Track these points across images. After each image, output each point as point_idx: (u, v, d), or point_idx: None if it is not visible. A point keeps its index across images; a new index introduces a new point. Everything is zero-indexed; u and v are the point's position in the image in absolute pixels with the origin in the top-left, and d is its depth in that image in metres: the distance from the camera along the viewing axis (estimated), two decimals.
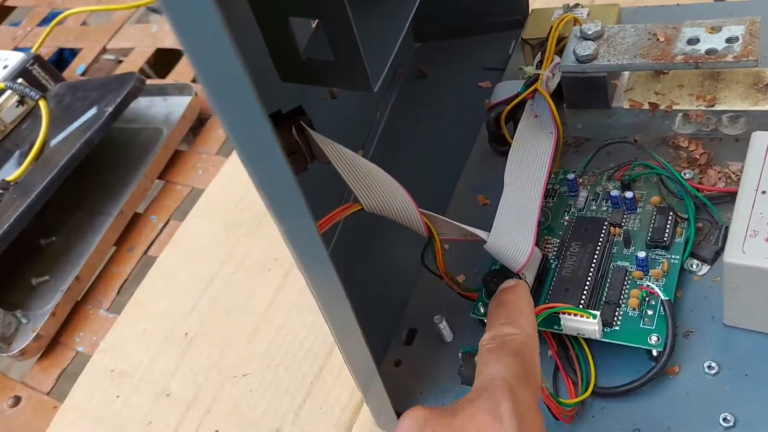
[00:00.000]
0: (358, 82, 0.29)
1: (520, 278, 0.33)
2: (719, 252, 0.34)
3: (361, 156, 0.43)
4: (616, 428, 0.31)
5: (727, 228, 0.32)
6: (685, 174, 0.36)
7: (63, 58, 0.90)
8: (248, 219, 0.53)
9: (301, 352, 0.42)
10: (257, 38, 0.29)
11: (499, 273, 0.34)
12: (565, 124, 0.40)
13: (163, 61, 0.79)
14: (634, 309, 0.32)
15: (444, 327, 0.36)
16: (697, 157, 0.37)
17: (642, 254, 0.33)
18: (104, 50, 0.84)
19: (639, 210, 0.36)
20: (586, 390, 0.32)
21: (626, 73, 0.38)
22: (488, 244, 0.32)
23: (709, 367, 0.31)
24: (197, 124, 0.67)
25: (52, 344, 0.55)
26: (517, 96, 0.41)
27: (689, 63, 0.34)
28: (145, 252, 0.59)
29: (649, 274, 0.34)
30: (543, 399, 0.29)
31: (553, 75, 0.39)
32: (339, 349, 0.29)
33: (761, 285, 0.29)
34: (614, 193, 0.36)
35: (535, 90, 0.39)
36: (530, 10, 0.47)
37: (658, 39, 0.35)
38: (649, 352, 0.31)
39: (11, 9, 1.03)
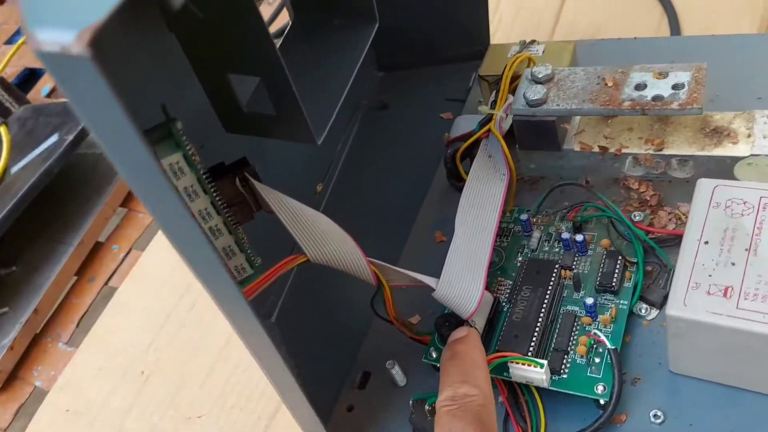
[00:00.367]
0: (302, 136, 0.29)
1: (471, 325, 0.33)
2: (667, 296, 0.34)
3: (319, 188, 0.43)
4: None
5: None
6: (635, 216, 0.37)
7: (36, 74, 0.88)
8: None
9: (256, 392, 0.42)
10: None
11: (451, 317, 0.34)
12: (518, 163, 0.41)
13: None
14: (581, 356, 0.32)
15: (396, 372, 0.36)
16: (648, 198, 0.37)
17: (590, 300, 0.33)
18: None
19: (590, 252, 0.37)
20: None
21: (577, 116, 0.38)
22: (436, 292, 0.32)
23: (655, 416, 0.31)
24: None
25: (10, 379, 0.54)
26: (473, 134, 0.41)
27: (636, 109, 0.34)
28: (106, 283, 0.58)
29: (598, 319, 0.34)
30: None
31: (507, 115, 0.39)
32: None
33: (703, 337, 0.29)
34: (565, 235, 0.37)
35: (489, 130, 0.39)
36: (489, 47, 0.47)
37: (607, 84, 0.35)
38: (597, 400, 0.31)
39: None
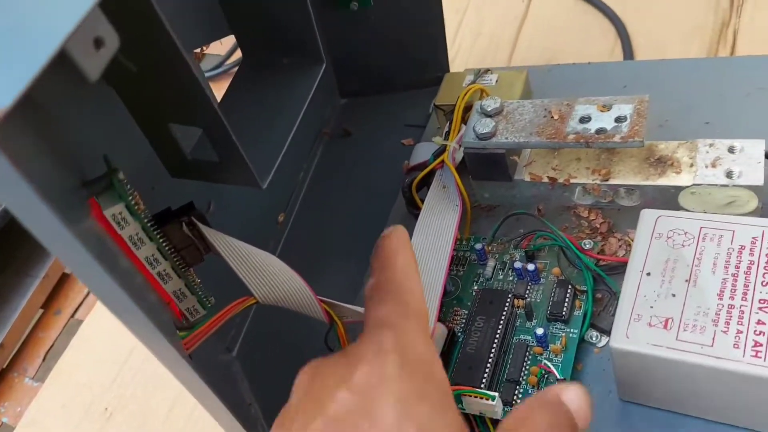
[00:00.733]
0: (247, 181, 0.29)
1: None
2: None
3: (281, 218, 0.43)
4: None
5: None
6: (585, 244, 0.37)
7: None
8: None
9: (218, 428, 0.42)
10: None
11: None
12: (473, 192, 0.41)
13: None
14: (533, 387, 0.33)
15: None
16: (598, 225, 0.38)
17: (540, 331, 0.34)
18: None
19: (542, 281, 0.37)
20: None
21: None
22: None
23: None
24: None
25: None
26: (428, 163, 0.42)
27: (580, 142, 0.34)
28: (72, 315, 0.58)
29: (549, 349, 0.34)
30: None
31: (460, 146, 0.40)
32: None
33: (646, 368, 0.30)
34: (518, 265, 0.37)
35: (443, 161, 0.40)
36: (444, 76, 0.48)
37: (553, 116, 0.36)
38: None
39: None
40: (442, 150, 0.41)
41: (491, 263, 0.39)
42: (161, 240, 0.29)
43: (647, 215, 0.33)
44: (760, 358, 0.27)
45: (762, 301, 0.28)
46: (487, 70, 0.45)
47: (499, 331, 0.35)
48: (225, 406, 0.24)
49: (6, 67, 0.15)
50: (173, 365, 0.22)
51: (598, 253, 0.37)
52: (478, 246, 0.39)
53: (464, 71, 0.53)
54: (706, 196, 0.34)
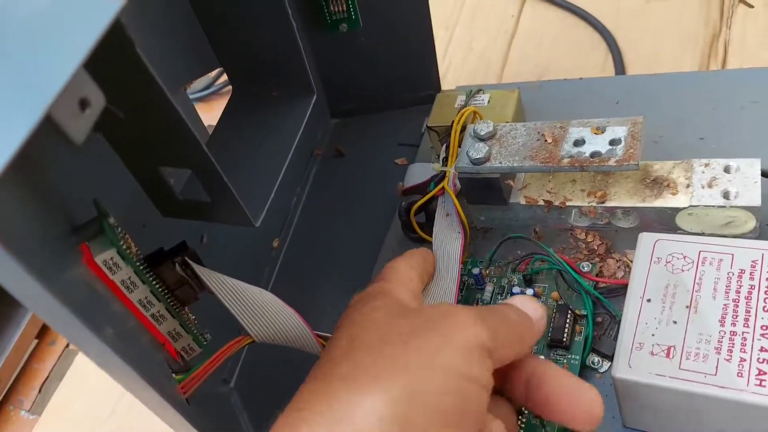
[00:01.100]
0: (239, 220, 0.29)
1: None
2: None
3: (275, 244, 0.42)
4: None
5: None
6: (583, 267, 0.37)
7: None
8: None
9: None
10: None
11: None
12: (469, 215, 0.41)
13: None
14: (535, 417, 0.33)
15: None
16: (596, 247, 0.38)
17: (542, 358, 0.33)
18: None
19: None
20: None
21: None
22: None
23: None
24: None
25: None
26: (426, 184, 0.41)
27: (575, 166, 0.34)
28: (67, 345, 0.57)
29: None
30: None
31: (457, 170, 0.40)
32: None
33: (649, 397, 0.29)
34: (516, 290, 0.37)
35: (443, 188, 0.40)
36: (436, 96, 0.47)
37: (546, 140, 0.36)
38: None
39: None
40: (441, 176, 0.40)
41: (489, 287, 0.39)
42: (154, 282, 0.28)
43: (645, 239, 0.33)
44: (765, 386, 0.27)
45: (764, 327, 0.28)
46: (478, 90, 0.45)
47: None
48: None
49: None
50: (167, 417, 0.22)
51: (597, 275, 0.37)
52: (476, 270, 0.39)
53: (455, 90, 0.53)
54: (704, 217, 0.34)
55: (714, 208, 0.34)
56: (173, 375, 0.30)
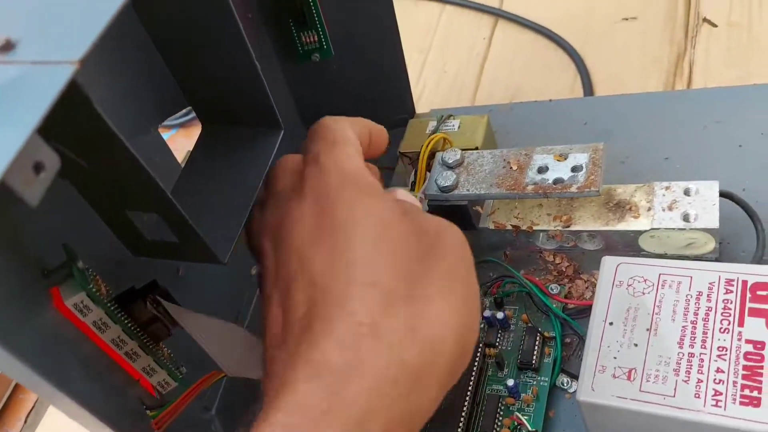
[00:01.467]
0: (208, 258, 0.29)
1: None
2: None
3: (253, 271, 0.43)
4: None
5: None
6: (552, 289, 0.38)
7: None
8: None
9: None
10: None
11: None
12: None
13: None
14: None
15: None
16: (564, 269, 0.39)
17: (511, 382, 0.34)
18: None
19: (512, 327, 0.38)
20: None
21: None
22: None
23: None
24: None
25: None
26: None
27: (539, 193, 0.35)
28: None
29: (521, 399, 0.35)
30: None
31: (425, 197, 0.40)
32: None
33: (613, 419, 0.30)
34: (487, 313, 0.37)
35: None
36: (408, 122, 0.48)
37: (512, 167, 0.37)
38: None
39: None
40: None
41: None
42: (126, 321, 0.29)
43: (608, 263, 0.34)
44: (720, 407, 0.27)
45: (720, 348, 0.29)
46: (449, 116, 0.46)
47: (471, 384, 0.35)
48: None
49: None
50: None
51: (566, 297, 0.38)
52: None
53: (430, 113, 0.54)
54: (665, 239, 0.35)
55: (674, 231, 0.34)
56: (147, 411, 0.30)
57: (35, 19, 0.20)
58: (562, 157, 0.36)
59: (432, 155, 0.42)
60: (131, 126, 0.33)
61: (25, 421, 0.56)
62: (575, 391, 0.35)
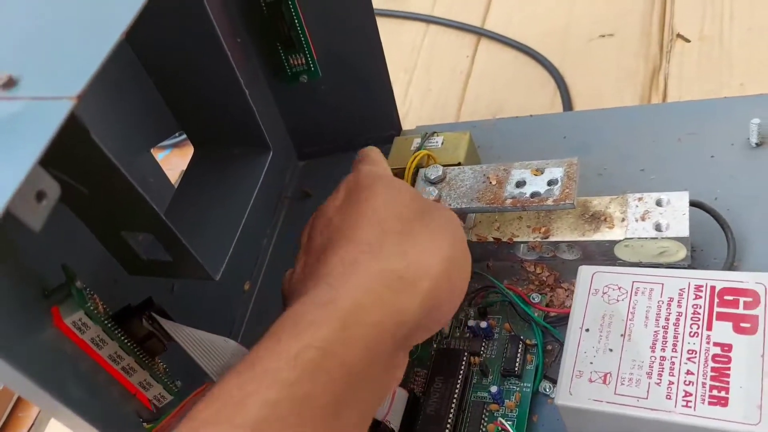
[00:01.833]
0: (200, 275, 0.31)
1: (387, 425, 0.35)
2: None
3: (247, 287, 0.44)
4: None
5: None
6: (533, 298, 0.39)
7: None
8: None
9: None
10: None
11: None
12: None
13: None
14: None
15: None
16: (545, 278, 0.40)
17: (495, 389, 0.36)
18: None
19: (496, 336, 0.39)
20: None
21: None
22: None
23: None
24: None
25: None
26: None
27: (517, 206, 0.37)
28: None
29: (505, 405, 0.36)
30: None
31: None
32: None
33: (591, 422, 0.31)
34: (471, 323, 0.39)
35: None
36: (394, 139, 0.50)
37: (491, 182, 0.38)
38: None
39: None
40: None
41: None
42: (122, 338, 0.30)
43: (584, 272, 0.35)
44: (690, 407, 0.29)
45: (690, 352, 0.31)
46: (433, 133, 0.47)
47: (456, 391, 0.37)
48: None
49: None
50: None
51: (547, 306, 0.39)
52: None
53: (415, 129, 0.55)
54: (639, 248, 0.37)
55: (647, 240, 0.36)
56: (144, 424, 0.31)
57: (36, 56, 0.21)
58: (539, 171, 0.38)
59: (417, 171, 0.44)
60: (126, 151, 0.35)
61: None
62: None
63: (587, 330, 0.33)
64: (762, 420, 0.27)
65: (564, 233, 0.38)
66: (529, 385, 0.36)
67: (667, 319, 0.32)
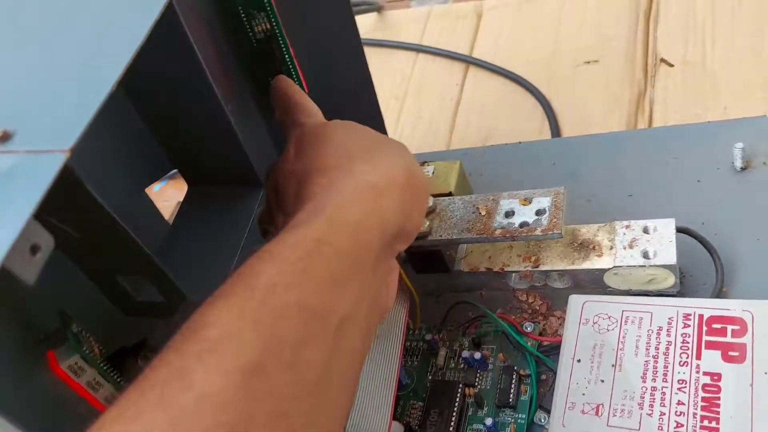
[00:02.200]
0: None
1: None
2: None
3: None
4: None
5: None
6: (526, 327, 0.40)
7: None
8: None
9: None
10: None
11: None
12: (418, 282, 0.43)
13: None
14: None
15: None
16: (538, 307, 0.41)
17: (489, 421, 0.36)
18: None
19: (490, 367, 0.39)
20: None
21: None
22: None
23: None
24: None
25: None
26: None
27: (506, 237, 0.37)
28: None
29: None
30: None
31: None
32: None
33: None
34: (465, 354, 0.39)
35: None
36: None
37: (481, 212, 0.39)
38: None
39: None
40: None
41: (443, 352, 0.41)
42: (118, 380, 0.31)
43: (574, 301, 0.36)
44: None
45: (680, 381, 0.31)
46: (424, 162, 0.48)
47: (452, 424, 0.37)
48: None
49: None
50: None
51: (540, 334, 0.40)
52: (429, 337, 0.41)
53: None
54: (628, 276, 0.37)
55: (635, 268, 0.36)
56: None
57: (30, 111, 0.22)
58: (527, 201, 0.38)
59: None
60: (121, 193, 0.35)
61: None
62: None
63: (579, 361, 0.33)
64: None
65: (554, 262, 0.39)
66: (524, 416, 0.37)
67: (657, 349, 0.32)
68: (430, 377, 0.40)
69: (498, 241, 0.38)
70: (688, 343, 0.32)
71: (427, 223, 0.40)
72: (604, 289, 0.39)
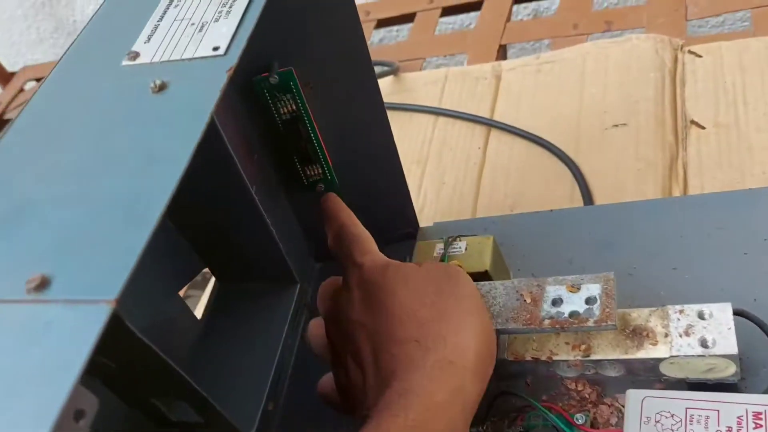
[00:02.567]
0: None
1: None
2: None
3: (271, 407, 0.42)
4: None
5: None
6: (577, 419, 0.37)
7: None
8: None
9: None
10: None
11: None
12: None
13: None
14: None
15: None
16: (587, 395, 0.38)
17: None
18: None
19: None
20: None
21: None
22: None
23: None
24: None
25: None
26: None
27: (556, 327, 0.35)
28: None
29: None
30: None
31: None
32: None
33: None
34: None
35: None
36: (416, 244, 0.49)
37: (525, 300, 0.37)
38: None
39: None
40: None
41: None
42: None
43: (633, 396, 0.34)
44: None
45: None
46: (456, 238, 0.46)
47: None
48: None
49: None
50: None
51: (591, 425, 0.37)
52: (474, 430, 0.39)
53: (433, 226, 0.55)
54: (686, 365, 0.35)
55: (694, 358, 0.34)
56: None
57: (69, 252, 0.20)
58: (575, 288, 0.37)
59: None
60: (154, 300, 0.34)
61: None
62: None
63: None
64: None
65: (606, 351, 0.37)
66: None
67: None
68: None
69: (546, 332, 0.36)
70: None
71: None
72: (659, 378, 0.37)
